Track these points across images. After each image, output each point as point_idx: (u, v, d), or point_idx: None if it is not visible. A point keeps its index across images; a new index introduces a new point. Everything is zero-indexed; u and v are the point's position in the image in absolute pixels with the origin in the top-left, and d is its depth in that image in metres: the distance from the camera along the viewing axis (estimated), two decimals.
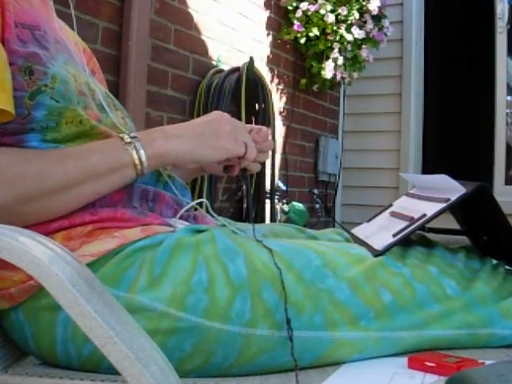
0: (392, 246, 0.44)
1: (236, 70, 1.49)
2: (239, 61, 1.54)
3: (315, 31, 1.67)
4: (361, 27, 1.71)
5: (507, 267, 0.47)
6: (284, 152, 1.77)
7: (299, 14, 1.70)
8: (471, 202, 0.47)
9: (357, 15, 1.69)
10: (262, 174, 1.51)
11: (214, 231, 0.41)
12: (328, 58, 1.72)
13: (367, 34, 1.73)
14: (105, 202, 0.40)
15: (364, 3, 1.70)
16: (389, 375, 0.36)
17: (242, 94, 1.44)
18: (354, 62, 1.77)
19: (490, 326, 0.42)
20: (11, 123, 0.37)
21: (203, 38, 1.45)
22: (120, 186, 0.40)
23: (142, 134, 0.41)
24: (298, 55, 1.82)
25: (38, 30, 0.39)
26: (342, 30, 1.67)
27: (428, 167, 2.05)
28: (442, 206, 0.46)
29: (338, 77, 1.76)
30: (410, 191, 0.58)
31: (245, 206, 1.51)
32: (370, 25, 1.72)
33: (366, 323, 0.40)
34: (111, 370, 0.32)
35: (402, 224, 0.47)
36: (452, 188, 0.47)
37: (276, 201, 1.62)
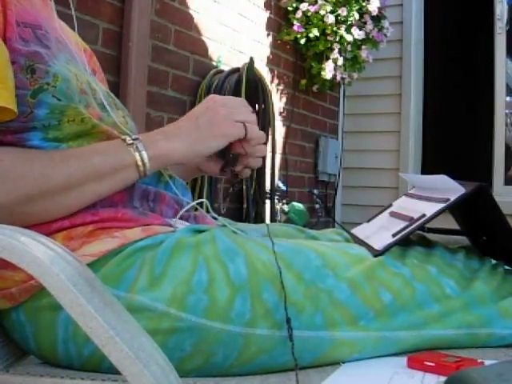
0: (391, 245, 0.44)
1: (236, 70, 1.49)
2: (239, 61, 1.54)
3: (315, 32, 1.68)
4: (360, 28, 1.71)
5: (506, 267, 0.47)
6: (284, 152, 1.77)
7: (299, 14, 1.70)
8: (470, 202, 0.47)
9: (357, 16, 1.69)
10: (261, 174, 1.51)
11: (214, 231, 0.41)
12: (328, 58, 1.72)
13: (367, 34, 1.73)
14: (106, 202, 0.40)
15: (364, 4, 1.70)
16: (388, 375, 0.36)
17: (242, 95, 1.44)
18: (353, 63, 1.77)
19: (489, 326, 0.42)
20: (13, 121, 0.37)
21: (203, 38, 1.45)
22: (123, 187, 0.40)
23: (143, 136, 0.42)
24: (297, 56, 1.82)
25: (39, 29, 0.40)
26: (342, 31, 1.67)
27: (427, 167, 2.05)
28: (441, 206, 0.46)
29: (338, 77, 1.76)
30: (410, 191, 0.59)
31: (245, 206, 1.51)
32: (369, 25, 1.73)
33: (366, 323, 0.40)
34: (112, 370, 0.32)
35: (402, 224, 0.47)
36: (451, 188, 0.47)
37: (276, 201, 1.62)
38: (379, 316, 0.40)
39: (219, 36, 1.51)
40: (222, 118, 0.43)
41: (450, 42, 2.29)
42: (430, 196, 0.50)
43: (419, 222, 0.46)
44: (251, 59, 1.51)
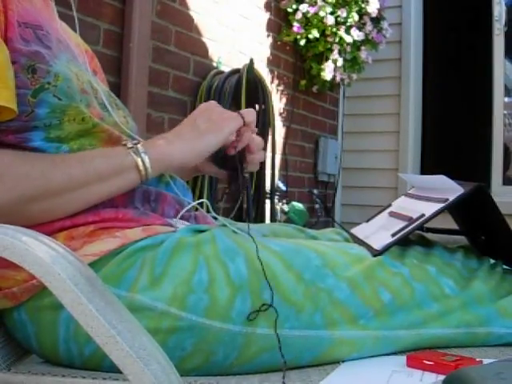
0: (391, 245, 0.44)
1: (236, 71, 1.49)
2: (239, 62, 1.55)
3: (315, 33, 1.68)
4: (360, 29, 1.71)
5: (505, 266, 0.48)
6: (284, 152, 1.77)
7: (299, 15, 1.70)
8: (469, 202, 0.47)
9: (356, 17, 1.69)
10: (262, 174, 1.51)
11: (215, 231, 0.41)
12: (327, 59, 1.73)
13: (366, 35, 1.73)
14: (107, 202, 0.40)
15: (363, 5, 1.71)
16: (388, 373, 0.36)
17: (242, 95, 1.45)
18: (353, 64, 1.78)
19: (487, 325, 0.42)
20: (14, 121, 0.37)
21: (204, 39, 1.45)
22: (124, 191, 0.40)
23: (144, 140, 0.42)
24: (297, 57, 1.83)
25: (40, 29, 0.40)
26: (342, 32, 1.68)
27: (426, 168, 2.05)
28: (440, 206, 0.46)
29: (338, 78, 1.76)
30: (409, 191, 0.59)
31: (245, 206, 1.51)
32: (369, 27, 1.73)
33: (366, 322, 0.40)
34: (113, 369, 0.33)
35: (401, 224, 0.47)
36: (450, 188, 0.47)
37: (276, 201, 1.62)
38: (378, 315, 0.40)
39: (219, 37, 1.51)
40: (218, 113, 0.43)
41: (449, 43, 2.30)
42: (429, 196, 0.50)
43: (418, 222, 0.46)
44: (251, 60, 1.51)
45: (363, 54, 1.76)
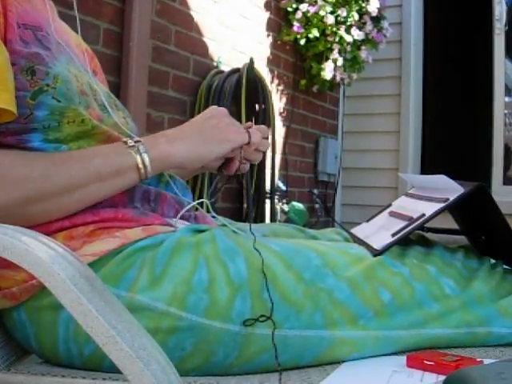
0: (391, 245, 0.44)
1: (236, 70, 1.49)
2: (239, 62, 1.55)
3: (315, 32, 1.68)
4: (360, 28, 1.71)
5: (505, 266, 0.48)
6: (284, 152, 1.77)
7: (299, 15, 1.70)
8: (469, 201, 0.47)
9: (356, 16, 1.69)
10: (261, 174, 1.51)
11: (215, 231, 0.41)
12: (328, 58, 1.73)
13: (366, 35, 1.73)
14: (106, 202, 0.40)
15: (363, 5, 1.71)
16: (388, 374, 0.36)
17: (242, 95, 1.45)
18: (353, 63, 1.78)
19: (488, 325, 0.42)
20: (13, 123, 0.37)
21: (204, 39, 1.45)
22: (123, 189, 0.40)
23: (145, 138, 0.42)
24: (297, 56, 1.82)
25: (39, 30, 0.40)
26: (342, 32, 1.67)
27: (427, 167, 2.05)
28: (440, 205, 0.46)
29: (338, 78, 1.76)
30: (409, 191, 0.59)
31: (245, 206, 1.51)
32: (369, 26, 1.73)
33: (366, 322, 0.40)
34: (113, 369, 0.33)
35: (401, 224, 0.47)
36: (450, 188, 0.47)
37: (276, 201, 1.62)
38: (379, 315, 0.40)
39: (219, 36, 1.51)
40: (226, 124, 0.43)
41: (449, 43, 2.29)
42: (430, 196, 0.50)
43: (418, 222, 0.46)
44: (251, 59, 1.51)
45: (363, 53, 1.76)
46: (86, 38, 0.53)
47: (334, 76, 1.74)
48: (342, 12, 1.67)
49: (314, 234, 0.55)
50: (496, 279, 0.44)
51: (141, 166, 0.40)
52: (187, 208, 0.45)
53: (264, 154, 0.48)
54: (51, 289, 0.26)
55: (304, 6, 1.69)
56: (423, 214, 0.46)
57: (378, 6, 1.73)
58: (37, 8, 0.42)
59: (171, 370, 0.28)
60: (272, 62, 1.75)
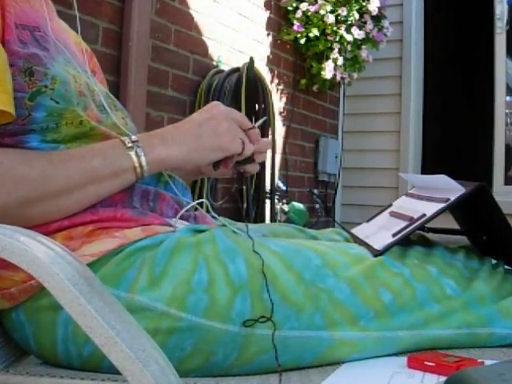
0: (392, 245, 0.44)
1: (236, 70, 1.49)
2: (239, 61, 1.54)
3: (315, 32, 1.67)
4: (360, 28, 1.71)
5: (506, 267, 0.47)
6: (284, 152, 1.77)
7: (299, 14, 1.70)
8: (470, 201, 0.47)
9: (357, 16, 1.69)
10: (262, 174, 1.51)
11: (215, 231, 0.41)
12: (328, 58, 1.72)
13: (367, 34, 1.73)
14: (105, 202, 0.40)
15: (364, 4, 1.70)
16: (388, 375, 0.36)
17: (242, 95, 1.44)
18: (353, 63, 1.77)
19: (489, 326, 0.42)
20: (11, 124, 0.37)
21: (203, 38, 1.45)
22: (120, 189, 0.40)
23: (142, 138, 0.41)
24: (297, 55, 1.82)
25: (37, 31, 0.40)
26: (342, 31, 1.67)
27: (427, 167, 2.05)
28: (441, 205, 0.46)
29: (338, 77, 1.76)
30: (410, 191, 0.59)
31: (245, 206, 1.51)
32: (369, 25, 1.73)
33: (366, 323, 0.40)
34: (112, 370, 0.32)
35: (402, 224, 0.47)
36: (451, 188, 0.47)
37: (276, 201, 1.62)
38: (379, 316, 0.40)
39: (219, 36, 1.51)
40: (224, 130, 0.43)
41: (450, 42, 2.29)
42: (430, 196, 0.50)
43: (419, 222, 0.46)
44: (251, 59, 1.51)
45: (364, 52, 1.76)
46: (85, 37, 0.53)
47: (335, 75, 1.74)
48: (343, 11, 1.67)
49: (314, 234, 0.55)
50: (497, 279, 0.44)
51: (138, 167, 0.40)
52: (187, 208, 0.45)
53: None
54: (50, 289, 0.26)
55: (304, 5, 1.69)
56: (424, 214, 0.46)
57: (379, 5, 1.73)
58: (35, 8, 0.41)
59: (171, 370, 0.28)
60: (272, 62, 1.74)
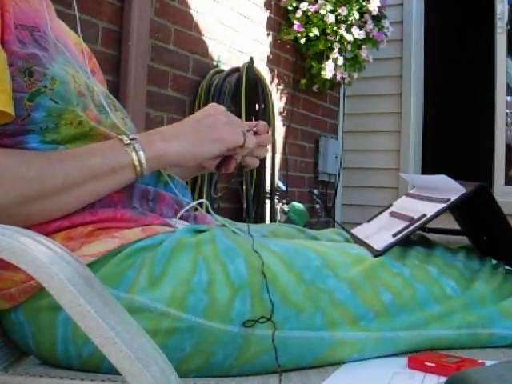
0: (392, 246, 0.44)
1: (236, 70, 1.49)
2: (239, 61, 1.54)
3: (315, 31, 1.67)
4: (361, 27, 1.71)
5: (507, 267, 0.47)
6: (284, 152, 1.77)
7: (299, 14, 1.70)
8: (471, 202, 0.47)
9: (357, 15, 1.69)
10: (261, 174, 1.51)
11: (214, 231, 0.41)
12: (328, 58, 1.72)
13: (367, 34, 1.73)
14: (105, 202, 0.40)
15: (364, 3, 1.70)
16: (389, 375, 0.36)
17: (241, 95, 1.44)
18: (354, 63, 1.77)
19: (489, 326, 0.42)
20: (11, 124, 0.37)
21: (203, 38, 1.45)
22: (119, 187, 0.40)
23: (140, 136, 0.41)
24: (298, 55, 1.82)
25: (37, 31, 0.40)
26: (342, 31, 1.67)
27: (428, 167, 2.05)
28: (441, 206, 0.46)
29: (338, 77, 1.76)
30: (410, 191, 0.58)
31: (245, 206, 1.51)
32: (369, 25, 1.72)
33: (366, 323, 0.40)
34: (111, 370, 0.32)
35: (402, 224, 0.47)
36: (452, 188, 0.47)
37: (276, 201, 1.62)
38: (379, 316, 0.40)
39: (219, 36, 1.50)
40: (223, 123, 0.43)
41: (451, 42, 2.29)
42: (431, 196, 0.50)
43: (420, 222, 0.46)
44: (251, 59, 1.51)
45: (364, 52, 1.75)
46: (85, 37, 0.53)
47: (335, 75, 1.74)
48: (343, 11, 1.67)
49: (314, 234, 0.55)
50: (498, 280, 0.44)
51: (137, 164, 0.39)
52: (187, 208, 0.45)
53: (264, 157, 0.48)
54: (49, 289, 0.26)
55: (304, 5, 1.69)
56: (424, 215, 0.46)
57: (379, 4, 1.73)
58: (34, 7, 0.41)
59: (170, 371, 0.27)
60: (272, 62, 1.74)
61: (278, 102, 1.76)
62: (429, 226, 0.48)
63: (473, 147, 2.20)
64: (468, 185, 0.46)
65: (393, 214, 0.53)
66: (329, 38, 1.69)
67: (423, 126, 2.06)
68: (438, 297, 0.42)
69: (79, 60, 0.46)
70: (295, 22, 1.71)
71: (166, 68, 1.33)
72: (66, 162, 0.38)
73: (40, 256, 0.27)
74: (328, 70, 1.72)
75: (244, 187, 1.49)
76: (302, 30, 1.70)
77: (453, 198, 0.46)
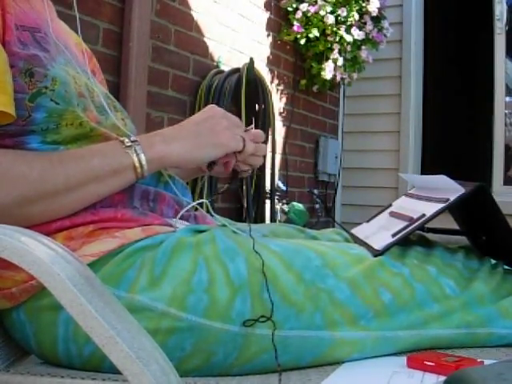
0: (391, 245, 0.44)
1: (236, 70, 1.49)
2: (239, 62, 1.55)
3: (315, 32, 1.68)
4: (360, 28, 1.71)
5: (506, 267, 0.48)
6: (284, 152, 1.77)
7: (299, 15, 1.70)
8: (470, 202, 0.47)
9: (356, 16, 1.69)
10: (262, 174, 1.51)
11: (215, 231, 0.41)
12: (328, 58, 1.73)
13: (367, 35, 1.73)
14: (106, 202, 0.40)
15: (364, 4, 1.70)
16: (388, 374, 0.36)
17: (242, 95, 1.45)
18: (353, 63, 1.77)
19: (488, 326, 0.42)
20: (11, 125, 0.37)
21: (203, 38, 1.45)
22: (120, 189, 0.41)
23: (141, 137, 0.42)
24: (297, 56, 1.82)
25: (38, 31, 0.40)
26: (342, 31, 1.67)
27: (427, 167, 2.05)
28: (441, 206, 0.46)
29: (338, 77, 1.76)
30: (410, 191, 0.59)
31: (245, 206, 1.51)
32: (369, 26, 1.73)
33: (366, 323, 0.40)
34: (112, 369, 0.33)
35: (402, 224, 0.47)
36: (451, 188, 0.47)
37: (276, 201, 1.62)
38: (379, 316, 0.40)
39: (219, 36, 1.51)
40: (223, 128, 0.43)
41: (450, 43, 2.29)
42: (430, 196, 0.50)
43: (419, 222, 0.46)
44: (251, 59, 1.51)
45: (364, 53, 1.76)
46: (86, 38, 0.53)
47: (334, 76, 1.74)
48: (342, 12, 1.67)
49: (314, 234, 0.55)
50: (496, 280, 0.44)
51: (138, 165, 0.40)
52: (187, 208, 0.45)
53: (264, 156, 0.49)
54: (51, 289, 0.26)
55: (304, 6, 1.69)
56: (423, 215, 0.46)
57: (379, 5, 1.73)
58: (35, 8, 0.42)
59: (171, 370, 0.28)
60: (272, 62, 1.75)
61: (278, 103, 1.76)
62: (428, 225, 0.48)
63: (472, 147, 2.20)
64: (467, 185, 0.46)
65: (392, 214, 0.54)
66: (329, 38, 1.69)
67: (422, 126, 2.06)
68: (437, 296, 0.42)
69: (80, 61, 0.47)
70: (295, 22, 1.71)
71: (167, 68, 1.33)
72: (67, 163, 0.38)
73: (41, 256, 0.27)
74: (328, 71, 1.72)
75: (244, 187, 1.49)
76: (302, 30, 1.70)
77: (452, 198, 0.46)
